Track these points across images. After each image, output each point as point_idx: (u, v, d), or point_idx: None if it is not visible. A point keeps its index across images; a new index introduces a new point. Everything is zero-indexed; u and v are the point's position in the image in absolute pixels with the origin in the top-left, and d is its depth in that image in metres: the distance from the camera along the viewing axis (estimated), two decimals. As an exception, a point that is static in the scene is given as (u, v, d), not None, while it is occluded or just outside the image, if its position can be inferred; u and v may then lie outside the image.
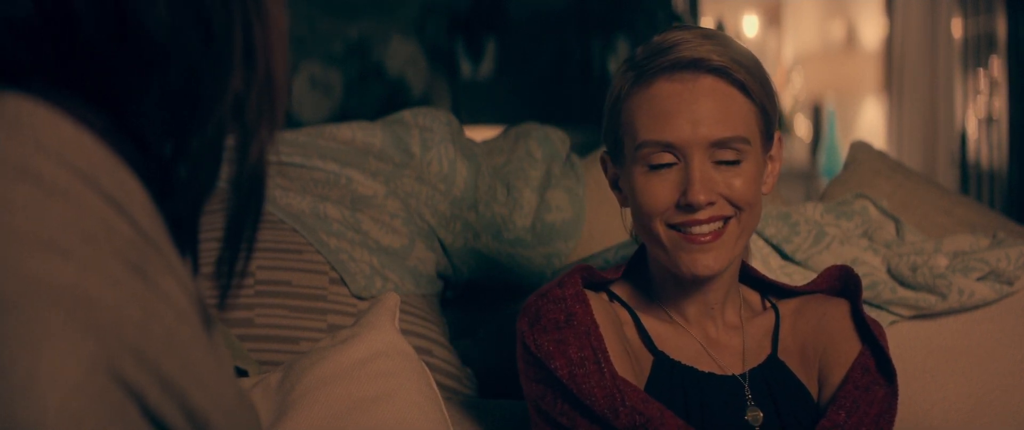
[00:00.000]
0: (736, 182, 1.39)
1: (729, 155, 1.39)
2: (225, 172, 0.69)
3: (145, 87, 0.65)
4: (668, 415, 1.34)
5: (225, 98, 0.67)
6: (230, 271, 0.69)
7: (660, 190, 1.39)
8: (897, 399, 1.45)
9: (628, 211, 1.49)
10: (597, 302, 1.44)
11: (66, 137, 0.61)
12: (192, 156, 0.67)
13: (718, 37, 1.42)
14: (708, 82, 1.38)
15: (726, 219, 1.40)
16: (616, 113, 1.44)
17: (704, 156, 1.38)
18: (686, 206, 1.37)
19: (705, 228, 1.39)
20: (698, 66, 1.38)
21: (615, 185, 1.50)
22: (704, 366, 1.44)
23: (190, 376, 0.62)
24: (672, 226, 1.39)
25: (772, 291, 1.55)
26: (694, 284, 1.45)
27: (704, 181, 1.37)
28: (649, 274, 1.50)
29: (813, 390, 1.47)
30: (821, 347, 1.48)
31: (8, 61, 0.64)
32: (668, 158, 1.39)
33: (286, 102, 0.71)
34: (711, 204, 1.38)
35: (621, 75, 1.44)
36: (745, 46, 1.45)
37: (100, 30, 0.64)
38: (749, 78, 1.40)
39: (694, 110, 1.38)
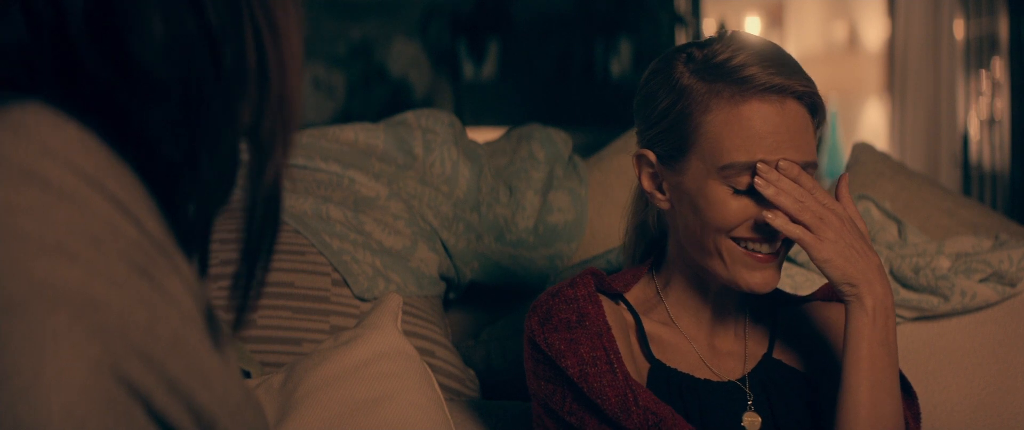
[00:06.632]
0: None
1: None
2: (241, 179, 0.68)
3: (147, 112, 0.64)
4: (679, 418, 1.35)
5: (237, 124, 0.66)
6: (246, 292, 0.69)
7: (740, 208, 1.38)
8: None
9: (663, 212, 1.48)
10: (607, 305, 1.44)
11: (71, 140, 0.61)
12: (204, 173, 0.66)
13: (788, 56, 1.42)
14: (793, 106, 1.38)
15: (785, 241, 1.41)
16: (684, 118, 1.40)
17: None
18: (767, 228, 1.37)
19: (768, 247, 1.40)
20: (786, 90, 1.37)
21: (659, 188, 1.45)
22: (701, 373, 1.45)
23: (196, 377, 0.62)
24: (736, 239, 1.39)
25: (776, 297, 1.55)
26: (729, 295, 1.46)
27: None
28: (666, 277, 1.50)
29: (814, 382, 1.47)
30: (825, 349, 1.49)
31: (7, 81, 0.63)
32: (750, 180, 1.38)
33: (301, 121, 0.69)
34: None
35: (693, 79, 1.40)
36: None
37: (97, 58, 0.63)
38: (820, 106, 1.41)
39: (785, 135, 1.37)
